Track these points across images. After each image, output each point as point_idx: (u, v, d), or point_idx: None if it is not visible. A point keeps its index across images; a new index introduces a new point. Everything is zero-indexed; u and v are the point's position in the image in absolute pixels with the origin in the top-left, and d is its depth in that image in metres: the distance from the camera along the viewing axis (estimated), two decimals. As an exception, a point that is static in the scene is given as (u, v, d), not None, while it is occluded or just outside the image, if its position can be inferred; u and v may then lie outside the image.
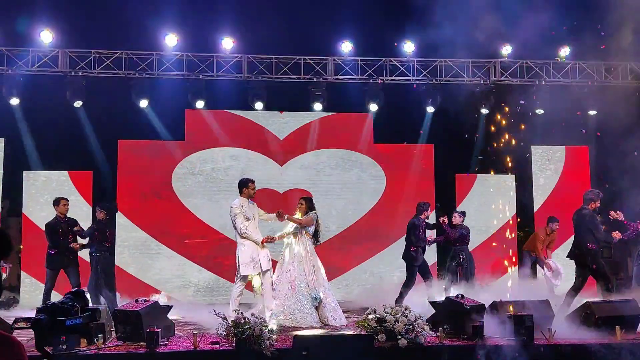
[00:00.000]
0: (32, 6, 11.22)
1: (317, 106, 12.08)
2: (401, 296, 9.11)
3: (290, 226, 8.34)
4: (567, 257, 8.44)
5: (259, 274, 8.02)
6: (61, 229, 8.98)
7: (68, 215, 9.20)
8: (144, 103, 11.75)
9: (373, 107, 12.14)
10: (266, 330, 5.92)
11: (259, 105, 11.98)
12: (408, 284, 9.26)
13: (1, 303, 10.71)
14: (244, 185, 8.17)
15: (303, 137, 12.30)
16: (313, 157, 12.27)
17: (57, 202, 9.17)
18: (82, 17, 11.55)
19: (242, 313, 6.23)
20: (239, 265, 7.96)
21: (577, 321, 6.80)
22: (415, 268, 9.32)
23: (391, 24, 11.92)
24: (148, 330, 6.01)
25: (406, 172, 12.31)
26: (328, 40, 12.06)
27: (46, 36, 11.37)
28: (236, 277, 8.08)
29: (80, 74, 11.54)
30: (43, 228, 11.23)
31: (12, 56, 11.46)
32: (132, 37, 11.49)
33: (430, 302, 7.06)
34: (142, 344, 6.12)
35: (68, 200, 9.29)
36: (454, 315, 6.58)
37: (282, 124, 12.35)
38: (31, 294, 11.25)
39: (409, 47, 11.95)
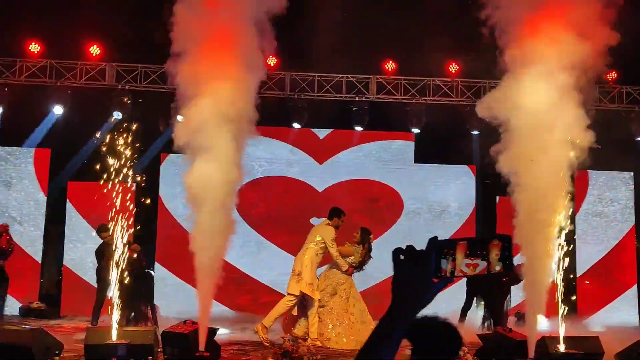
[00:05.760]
0: (81, 20, 11.43)
1: (358, 125, 12.07)
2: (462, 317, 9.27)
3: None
4: None
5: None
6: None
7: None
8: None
9: (415, 127, 12.09)
10: (314, 360, 5.93)
11: (299, 123, 12.02)
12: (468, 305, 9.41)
13: (44, 312, 10.91)
14: (337, 214, 8.41)
15: (343, 156, 12.29)
16: (353, 175, 12.24)
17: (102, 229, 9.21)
18: (130, 32, 11.71)
19: (290, 340, 6.25)
20: (300, 282, 8.02)
21: (630, 360, 6.66)
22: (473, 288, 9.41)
23: (435, 44, 11.84)
24: (197, 354, 6.07)
25: (446, 193, 12.24)
26: (370, 59, 12.06)
27: (94, 50, 11.61)
28: (292, 292, 8.15)
29: (126, 87, 11.72)
30: (86, 238, 11.57)
31: (60, 69, 11.70)
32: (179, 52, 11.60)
33: (478, 335, 6.99)
34: (190, 367, 6.17)
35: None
36: (502, 349, 6.50)
37: (322, 142, 12.36)
38: (73, 304, 11.39)
39: (453, 67, 11.89)
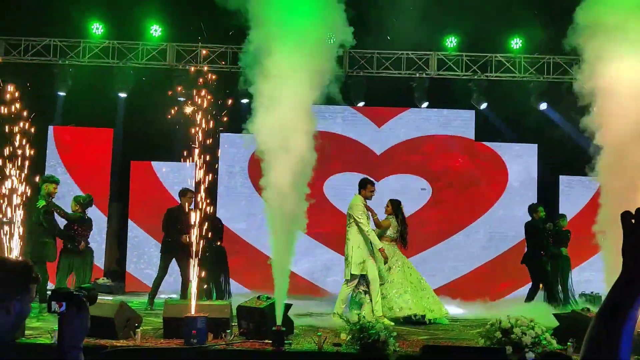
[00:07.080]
0: (142, 0, 11.54)
1: (419, 102, 11.91)
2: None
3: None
4: None
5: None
6: (181, 219, 8.97)
7: None
8: (246, 96, 11.92)
9: (476, 104, 11.87)
10: (392, 337, 5.92)
11: (359, 100, 11.94)
12: (551, 296, 9.41)
13: (110, 288, 11.19)
14: (363, 185, 8.20)
15: (402, 131, 12.18)
16: (411, 151, 12.14)
17: (184, 193, 9.24)
18: (190, 12, 11.78)
19: (364, 317, 6.25)
20: (349, 265, 7.98)
21: None
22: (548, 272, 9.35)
23: (498, 19, 11.54)
24: (274, 329, 6.12)
25: (505, 171, 12.02)
26: (431, 35, 11.83)
27: (155, 30, 11.75)
28: (345, 277, 8.12)
29: (186, 67, 11.81)
30: (146, 216, 11.81)
31: (123, 49, 11.87)
32: (237, 32, 11.63)
33: (554, 315, 6.86)
34: (267, 341, 6.22)
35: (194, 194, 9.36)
36: (579, 329, 6.36)
37: (380, 118, 12.25)
38: (136, 280, 11.68)
39: (516, 43, 11.59)
